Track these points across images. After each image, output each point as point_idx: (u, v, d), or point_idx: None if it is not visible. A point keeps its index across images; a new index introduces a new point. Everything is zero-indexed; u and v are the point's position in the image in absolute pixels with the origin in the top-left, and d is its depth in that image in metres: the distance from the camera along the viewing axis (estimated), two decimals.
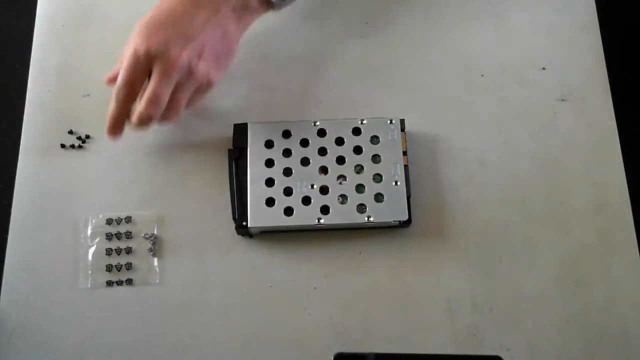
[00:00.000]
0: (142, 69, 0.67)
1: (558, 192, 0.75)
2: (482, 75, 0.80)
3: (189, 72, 0.69)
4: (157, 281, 0.72)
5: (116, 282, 0.72)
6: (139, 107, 0.68)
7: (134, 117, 0.68)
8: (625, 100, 0.79)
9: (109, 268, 0.72)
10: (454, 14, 0.82)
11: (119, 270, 0.72)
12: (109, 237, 0.73)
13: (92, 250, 0.73)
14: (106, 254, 0.73)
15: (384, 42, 0.82)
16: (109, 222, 0.74)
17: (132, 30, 0.69)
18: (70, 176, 0.76)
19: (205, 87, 0.72)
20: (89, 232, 0.73)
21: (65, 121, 0.78)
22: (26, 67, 0.81)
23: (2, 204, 0.75)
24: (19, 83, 0.80)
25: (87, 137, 0.77)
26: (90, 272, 0.72)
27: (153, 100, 0.67)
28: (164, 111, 0.69)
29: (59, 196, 0.75)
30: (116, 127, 0.70)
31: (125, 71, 0.67)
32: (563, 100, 0.79)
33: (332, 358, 0.62)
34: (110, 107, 0.69)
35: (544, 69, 0.80)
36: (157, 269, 0.72)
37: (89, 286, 0.72)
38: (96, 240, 0.73)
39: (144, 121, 0.68)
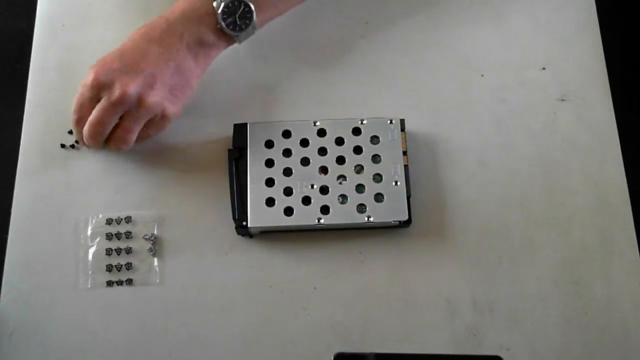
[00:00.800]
0: (90, 97, 0.71)
1: (558, 192, 0.75)
2: (482, 75, 0.80)
3: (139, 103, 0.70)
4: (157, 281, 0.72)
5: (116, 282, 0.72)
6: (84, 129, 0.72)
7: (83, 138, 0.73)
8: (625, 100, 0.79)
9: (109, 268, 0.72)
10: (454, 14, 0.82)
11: (119, 270, 0.72)
12: (109, 237, 0.73)
13: (92, 250, 0.73)
14: (106, 254, 0.73)
15: (384, 42, 0.82)
16: (109, 222, 0.74)
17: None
18: (70, 176, 0.76)
19: (160, 119, 0.73)
20: (89, 232, 0.73)
21: (65, 121, 0.78)
22: (26, 67, 0.81)
23: (2, 204, 0.75)
24: (19, 83, 0.80)
25: None
26: (90, 272, 0.72)
27: (93, 123, 0.71)
28: (114, 139, 0.72)
29: (59, 196, 0.75)
30: (83, 143, 0.75)
31: (76, 98, 0.72)
32: (563, 100, 0.79)
33: (332, 358, 0.62)
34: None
35: (544, 69, 0.80)
36: (157, 269, 0.72)
37: (89, 286, 0.72)
38: (96, 240, 0.73)
39: (89, 142, 0.73)
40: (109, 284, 0.72)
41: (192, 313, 0.71)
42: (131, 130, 0.72)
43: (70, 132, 0.77)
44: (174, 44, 0.71)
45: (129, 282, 0.72)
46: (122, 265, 0.72)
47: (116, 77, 0.70)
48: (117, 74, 0.70)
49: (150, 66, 0.70)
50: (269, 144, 0.74)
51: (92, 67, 0.71)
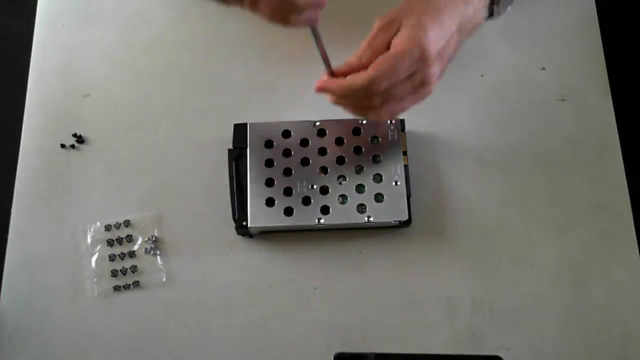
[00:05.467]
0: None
1: (558, 192, 0.75)
2: (482, 75, 0.80)
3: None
4: (164, 280, 0.72)
5: (123, 286, 0.72)
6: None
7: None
8: (625, 100, 0.79)
9: (114, 273, 0.72)
10: None
11: (124, 275, 0.72)
12: (109, 243, 0.73)
13: (94, 258, 0.73)
14: (109, 260, 0.73)
15: None
16: (108, 228, 0.74)
17: None
18: (70, 176, 0.76)
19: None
20: (89, 240, 0.73)
21: (65, 121, 0.78)
22: (26, 67, 0.81)
23: (3, 204, 0.75)
24: (19, 83, 0.80)
25: (80, 137, 0.77)
26: (95, 279, 0.72)
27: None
28: (386, 109, 0.65)
29: (59, 196, 0.75)
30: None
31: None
32: (563, 100, 0.79)
33: (332, 358, 0.62)
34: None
35: (543, 69, 0.80)
36: (162, 268, 0.72)
37: (96, 294, 0.71)
38: (97, 248, 0.73)
39: (368, 86, 0.62)
40: (116, 288, 0.72)
41: (193, 313, 0.71)
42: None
43: (74, 135, 0.77)
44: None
45: (136, 284, 0.72)
46: (127, 268, 0.72)
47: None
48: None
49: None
50: (269, 144, 0.74)
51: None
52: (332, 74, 0.65)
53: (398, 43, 0.62)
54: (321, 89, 0.65)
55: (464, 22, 0.66)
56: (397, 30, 0.63)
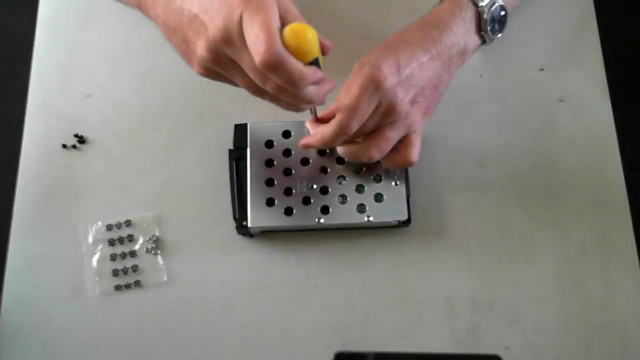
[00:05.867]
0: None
1: (557, 192, 0.75)
2: (481, 76, 0.80)
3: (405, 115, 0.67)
4: (165, 279, 0.72)
5: (124, 285, 0.72)
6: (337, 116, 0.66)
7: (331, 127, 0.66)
8: (623, 100, 0.79)
9: (115, 273, 0.72)
10: None
11: (125, 274, 0.72)
12: (111, 242, 0.73)
13: (95, 257, 0.73)
14: (111, 260, 0.73)
15: None
16: (109, 228, 0.74)
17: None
18: (72, 176, 0.76)
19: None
20: (90, 240, 0.73)
21: (66, 122, 0.78)
22: (27, 67, 0.81)
23: (4, 205, 0.75)
24: (20, 83, 0.80)
25: (81, 137, 0.77)
26: (97, 279, 0.72)
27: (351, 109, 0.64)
28: (370, 143, 0.67)
29: (60, 196, 0.75)
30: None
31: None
32: (561, 100, 0.79)
33: (332, 358, 0.63)
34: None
35: (542, 69, 0.80)
36: (163, 267, 0.72)
37: (97, 293, 0.71)
38: (99, 248, 0.73)
39: (340, 132, 0.66)
40: (117, 288, 0.72)
41: (193, 313, 0.71)
42: (392, 141, 0.69)
43: (75, 135, 0.77)
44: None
45: (137, 283, 0.72)
46: (128, 268, 0.73)
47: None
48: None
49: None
50: (269, 144, 0.74)
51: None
52: (317, 119, 0.69)
53: (355, 83, 0.65)
54: (305, 146, 0.70)
55: (444, 49, 0.69)
56: None
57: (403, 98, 0.66)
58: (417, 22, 0.71)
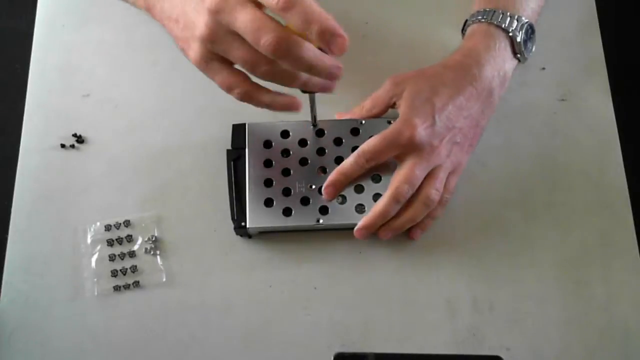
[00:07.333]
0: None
1: (558, 192, 0.75)
2: None
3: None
4: (164, 279, 0.72)
5: (123, 286, 0.72)
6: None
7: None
8: (625, 100, 0.79)
9: (114, 273, 0.72)
10: (454, 14, 0.82)
11: (124, 274, 0.72)
12: (110, 243, 0.73)
13: (94, 258, 0.73)
14: (109, 260, 0.73)
15: (384, 42, 0.81)
16: (108, 228, 0.74)
17: None
18: (71, 176, 0.76)
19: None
20: (89, 240, 0.73)
21: (65, 121, 0.78)
22: (26, 67, 0.81)
23: (2, 204, 0.75)
24: (19, 83, 0.80)
25: (80, 137, 0.77)
26: (95, 279, 0.72)
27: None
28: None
29: (59, 196, 0.75)
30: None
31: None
32: (563, 100, 0.79)
33: (332, 358, 0.62)
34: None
35: (543, 69, 0.80)
36: (162, 267, 0.72)
37: (96, 293, 0.71)
38: (97, 248, 0.73)
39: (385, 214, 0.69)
40: (116, 288, 0.72)
41: (193, 313, 0.71)
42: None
43: (74, 135, 0.77)
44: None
45: (136, 284, 0.72)
46: (127, 268, 0.72)
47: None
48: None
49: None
50: (268, 144, 0.74)
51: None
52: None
53: (389, 128, 0.69)
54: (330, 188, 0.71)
55: (484, 85, 0.71)
56: (402, 92, 0.70)
57: (438, 145, 0.68)
58: (455, 61, 0.72)
